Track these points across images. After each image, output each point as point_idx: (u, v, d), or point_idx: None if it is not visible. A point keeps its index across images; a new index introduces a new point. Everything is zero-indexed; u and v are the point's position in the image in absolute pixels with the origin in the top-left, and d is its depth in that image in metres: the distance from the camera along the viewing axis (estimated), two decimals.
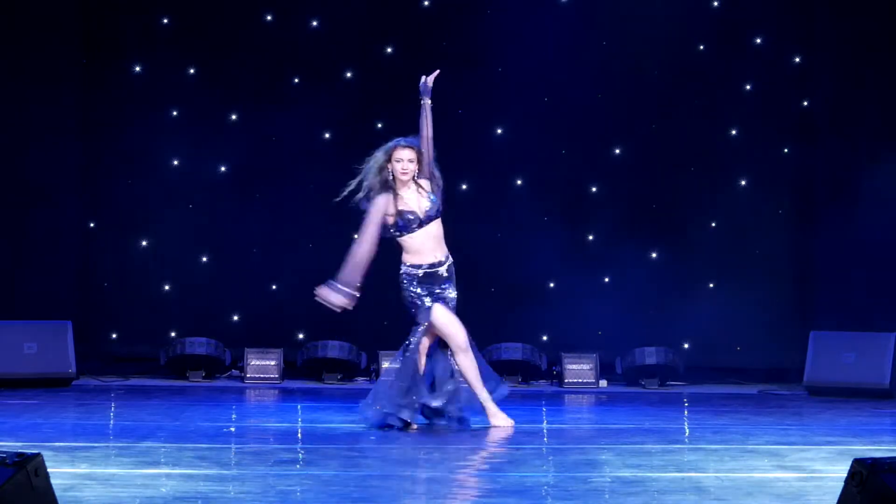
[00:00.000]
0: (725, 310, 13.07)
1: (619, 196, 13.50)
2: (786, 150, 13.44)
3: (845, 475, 5.24)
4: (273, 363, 12.74)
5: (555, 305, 13.17)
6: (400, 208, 9.30)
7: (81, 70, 13.29)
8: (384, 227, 9.39)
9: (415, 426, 9.22)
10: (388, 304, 13.29)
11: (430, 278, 9.41)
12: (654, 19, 13.29)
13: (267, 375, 12.70)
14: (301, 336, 13.36)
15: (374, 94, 13.46)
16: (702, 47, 13.39)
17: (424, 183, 9.36)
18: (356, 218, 13.51)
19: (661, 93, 13.39)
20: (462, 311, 9.57)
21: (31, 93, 13.01)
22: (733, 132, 13.46)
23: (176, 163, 13.44)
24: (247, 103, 13.42)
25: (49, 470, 5.26)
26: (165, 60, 13.39)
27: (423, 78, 9.48)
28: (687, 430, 9.64)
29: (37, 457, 5.17)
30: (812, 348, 12.21)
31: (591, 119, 13.37)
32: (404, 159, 9.34)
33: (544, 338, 13.26)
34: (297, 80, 13.45)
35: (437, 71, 9.53)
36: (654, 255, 13.43)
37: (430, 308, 9.36)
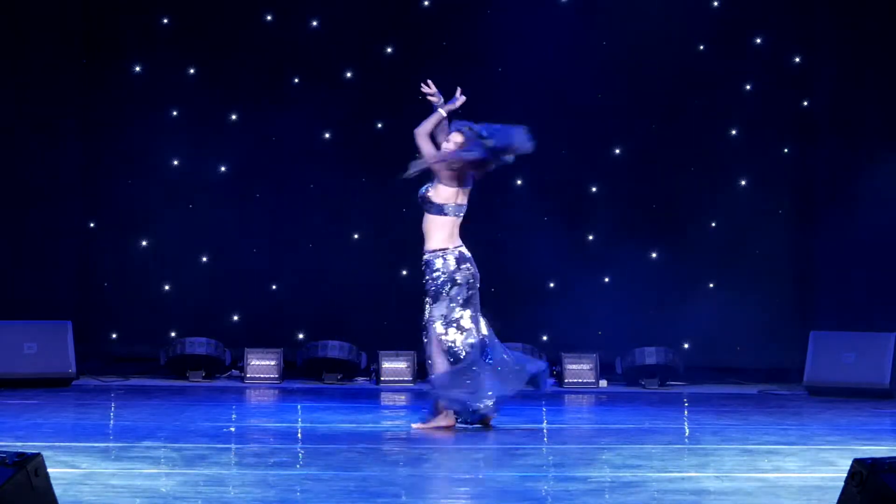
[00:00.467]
0: (725, 310, 13.07)
1: (619, 196, 13.50)
2: (786, 150, 13.44)
3: (845, 475, 5.23)
4: (273, 363, 12.74)
5: (555, 305, 13.17)
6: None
7: (81, 70, 13.29)
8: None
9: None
10: (389, 305, 13.34)
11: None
12: (654, 19, 13.29)
13: (267, 375, 12.70)
14: (301, 336, 13.36)
15: (374, 94, 13.46)
16: (702, 47, 13.40)
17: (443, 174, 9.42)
18: (356, 218, 13.57)
19: (661, 93, 13.39)
20: None
21: (31, 93, 13.01)
22: (733, 132, 13.46)
23: (176, 163, 13.44)
24: (247, 103, 13.42)
25: (49, 470, 5.26)
26: (165, 60, 13.39)
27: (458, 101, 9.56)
28: (687, 430, 9.64)
29: (37, 457, 5.17)
30: (812, 348, 12.21)
31: (591, 119, 13.37)
32: (451, 142, 9.47)
33: (544, 338, 13.26)
34: (297, 80, 13.45)
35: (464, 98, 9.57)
36: (654, 255, 13.43)
37: None
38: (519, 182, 13.41)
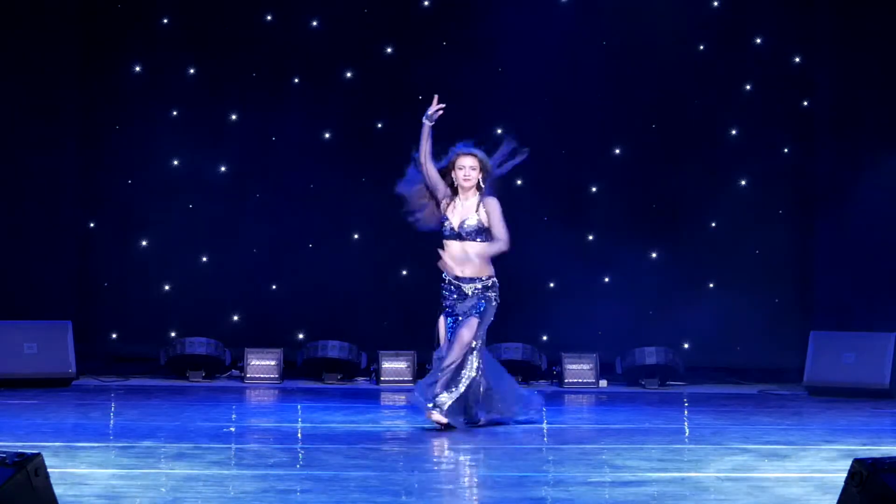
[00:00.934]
0: (725, 310, 13.07)
1: (619, 196, 13.50)
2: (786, 150, 13.44)
3: (845, 475, 5.23)
4: (273, 363, 12.74)
5: (555, 305, 13.17)
6: (445, 213, 9.32)
7: (81, 70, 13.29)
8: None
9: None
10: (389, 305, 13.34)
11: (453, 289, 9.42)
12: (654, 19, 13.29)
13: (267, 375, 12.70)
14: (301, 336, 13.36)
15: (374, 94, 13.47)
16: (702, 47, 13.40)
17: (490, 202, 9.34)
18: (356, 218, 13.57)
19: (661, 93, 13.39)
20: None
21: (32, 93, 13.00)
22: (733, 132, 13.46)
23: (176, 163, 13.44)
24: (247, 103, 13.42)
25: (49, 470, 5.26)
26: (165, 60, 13.40)
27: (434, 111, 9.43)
28: (687, 430, 9.64)
29: (37, 457, 5.17)
30: (812, 348, 12.21)
31: (591, 119, 13.37)
32: (466, 166, 9.36)
33: (544, 338, 13.25)
34: (297, 80, 13.45)
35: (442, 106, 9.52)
36: (654, 255, 13.43)
37: (441, 315, 9.50)
38: (519, 182, 13.40)
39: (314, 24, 13.47)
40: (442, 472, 7.58)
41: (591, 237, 13.50)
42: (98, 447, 8.14)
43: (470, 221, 9.30)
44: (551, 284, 13.39)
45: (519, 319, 13.07)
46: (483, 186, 9.40)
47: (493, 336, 12.75)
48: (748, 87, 13.44)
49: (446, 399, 9.15)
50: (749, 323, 13.19)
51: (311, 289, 13.39)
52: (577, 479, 7.07)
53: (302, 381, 12.76)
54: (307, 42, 13.43)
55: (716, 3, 13.40)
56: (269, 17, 13.45)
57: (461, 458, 8.14)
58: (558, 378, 12.78)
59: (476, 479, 7.27)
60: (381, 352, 12.68)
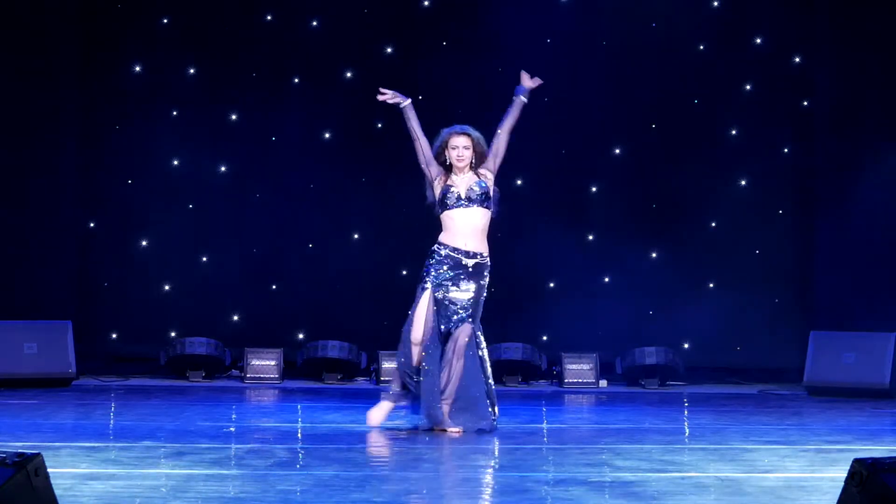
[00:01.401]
0: (725, 310, 13.08)
1: (619, 196, 13.50)
2: (786, 150, 13.45)
3: (845, 475, 5.23)
4: (273, 363, 12.74)
5: (555, 305, 13.17)
6: (447, 183, 9.21)
7: (81, 70, 13.29)
8: (432, 201, 9.23)
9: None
10: (389, 305, 13.33)
11: (449, 262, 9.14)
12: (654, 19, 13.30)
13: (267, 375, 12.70)
14: (301, 336, 13.37)
15: (374, 94, 13.44)
16: (702, 47, 13.40)
17: (485, 172, 9.26)
18: (356, 218, 13.58)
19: (661, 93, 13.39)
20: None
21: (31, 93, 13.01)
22: (733, 132, 13.47)
23: (176, 163, 13.45)
24: (247, 103, 13.43)
25: (49, 470, 5.26)
26: (165, 60, 13.40)
27: (530, 82, 9.46)
28: (687, 430, 9.64)
29: (37, 457, 5.17)
30: (812, 348, 12.21)
31: (591, 119, 13.37)
32: (459, 146, 9.23)
33: (544, 338, 13.26)
34: (297, 80, 13.46)
35: (541, 81, 9.48)
36: (654, 255, 13.44)
37: (423, 289, 9.15)
38: (519, 182, 13.40)
39: (314, 24, 13.47)
40: (442, 472, 7.57)
41: (591, 237, 13.50)
42: (98, 447, 8.14)
43: (475, 188, 9.22)
44: (551, 284, 13.39)
45: (519, 319, 13.09)
46: (475, 166, 9.27)
47: (494, 336, 12.77)
48: (748, 87, 13.44)
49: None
50: (749, 323, 13.20)
51: (311, 289, 13.39)
52: (577, 479, 7.07)
53: (302, 381, 12.76)
54: (307, 42, 13.43)
55: (716, 3, 13.41)
56: (269, 17, 13.45)
57: (461, 458, 8.13)
58: (558, 378, 12.78)
59: (476, 479, 7.27)
60: (381, 352, 12.68)
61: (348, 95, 13.41)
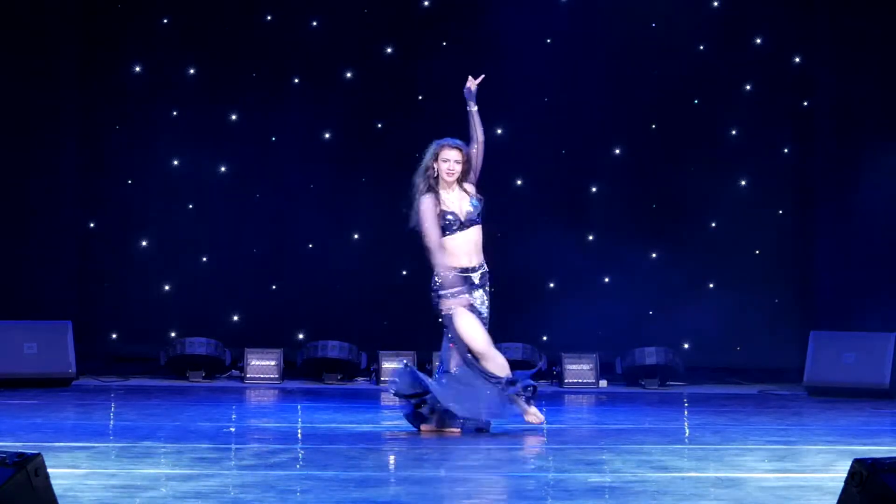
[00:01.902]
0: (725, 310, 13.07)
1: (619, 196, 13.50)
2: (786, 150, 13.45)
3: (845, 475, 5.23)
4: (273, 363, 12.74)
5: (555, 305, 13.17)
6: (442, 209, 9.17)
7: (81, 70, 13.29)
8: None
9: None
10: (389, 305, 13.34)
11: (458, 281, 9.10)
12: (654, 19, 13.30)
13: (267, 375, 12.70)
14: (301, 336, 13.37)
15: (374, 94, 13.47)
16: (702, 47, 13.40)
17: (469, 187, 9.25)
18: (356, 218, 13.57)
19: (661, 93, 13.39)
20: None
21: (31, 93, 13.01)
22: (733, 132, 13.46)
23: (176, 163, 13.45)
24: (247, 103, 13.43)
25: (49, 470, 5.26)
26: (165, 60, 13.40)
27: (468, 83, 9.35)
28: (687, 430, 9.64)
29: (37, 457, 5.16)
30: (812, 348, 12.21)
31: (591, 119, 13.37)
32: (451, 159, 9.18)
33: (544, 338, 13.26)
34: (297, 80, 13.46)
35: (482, 76, 9.43)
36: (654, 255, 13.43)
37: (455, 308, 9.11)
38: (519, 182, 13.41)
39: (314, 24, 13.47)
40: (442, 472, 7.57)
41: (591, 237, 13.50)
42: (98, 447, 8.14)
43: (471, 209, 9.22)
44: (551, 284, 13.39)
45: (519, 319, 13.08)
46: (461, 181, 9.25)
47: (494, 336, 12.75)
48: (748, 87, 13.44)
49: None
50: (749, 323, 13.20)
51: (311, 289, 13.39)
52: (577, 480, 7.07)
53: (302, 382, 12.77)
54: (307, 42, 13.43)
55: (716, 3, 13.41)
56: (269, 17, 13.45)
57: (461, 458, 8.13)
58: (558, 378, 12.78)
59: (476, 480, 7.27)
60: (381, 352, 12.69)
61: (348, 95, 13.41)
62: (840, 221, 12.98)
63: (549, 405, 11.30)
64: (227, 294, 13.42)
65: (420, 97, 13.37)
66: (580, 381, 12.69)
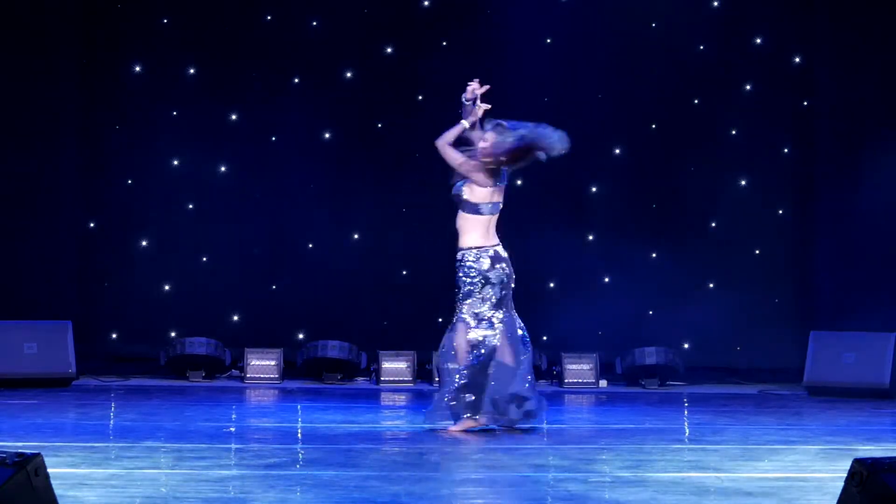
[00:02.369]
0: (725, 310, 13.07)
1: (619, 196, 13.50)
2: (786, 150, 13.45)
3: (845, 475, 5.23)
4: (273, 363, 12.74)
5: (555, 305, 13.17)
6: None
7: (81, 70, 13.29)
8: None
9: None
10: (389, 305, 13.34)
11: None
12: (654, 19, 13.30)
13: (267, 375, 12.70)
14: (301, 336, 13.36)
15: (374, 94, 13.46)
16: (702, 47, 13.40)
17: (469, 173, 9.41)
18: (356, 218, 13.57)
19: (661, 93, 13.39)
20: None
21: (31, 93, 13.01)
22: (733, 132, 13.47)
23: (176, 163, 13.45)
24: (247, 103, 13.43)
25: (49, 470, 5.26)
26: (165, 60, 13.40)
27: (470, 88, 9.43)
28: (687, 430, 9.64)
29: (37, 457, 5.17)
30: (812, 348, 12.21)
31: (591, 119, 13.37)
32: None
33: (544, 338, 13.25)
34: (297, 80, 13.46)
35: (487, 86, 9.51)
36: (654, 255, 13.43)
37: None
38: (519, 182, 13.40)
39: (314, 24, 13.47)
40: (442, 472, 7.57)
41: (591, 237, 13.50)
42: (98, 447, 8.14)
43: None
44: (551, 284, 13.39)
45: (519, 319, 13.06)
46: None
47: None
48: (748, 87, 13.44)
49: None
50: (749, 323, 13.20)
51: (311, 289, 13.39)
52: (577, 479, 7.07)
53: (302, 381, 12.76)
54: (307, 42, 13.43)
55: (716, 3, 13.41)
56: (269, 17, 13.45)
57: (461, 458, 8.14)
58: (558, 378, 12.78)
59: (476, 479, 7.27)
60: (381, 352, 12.68)
61: (348, 95, 13.41)
62: (840, 221, 12.98)
63: (549, 405, 11.29)
64: (226, 294, 13.42)
65: (420, 97, 13.36)
66: (580, 380, 12.69)
